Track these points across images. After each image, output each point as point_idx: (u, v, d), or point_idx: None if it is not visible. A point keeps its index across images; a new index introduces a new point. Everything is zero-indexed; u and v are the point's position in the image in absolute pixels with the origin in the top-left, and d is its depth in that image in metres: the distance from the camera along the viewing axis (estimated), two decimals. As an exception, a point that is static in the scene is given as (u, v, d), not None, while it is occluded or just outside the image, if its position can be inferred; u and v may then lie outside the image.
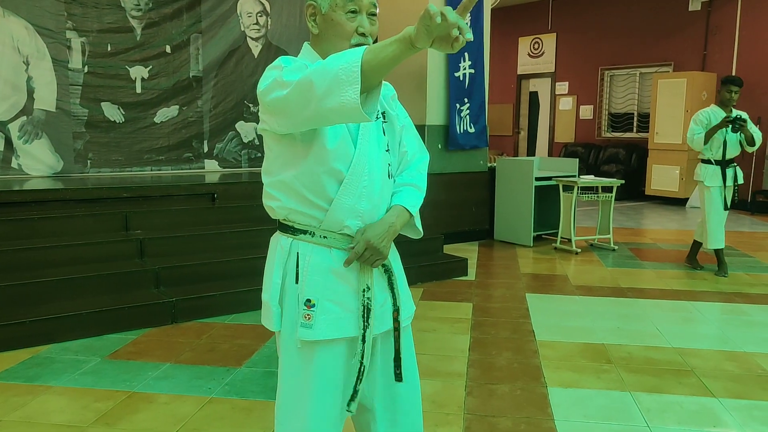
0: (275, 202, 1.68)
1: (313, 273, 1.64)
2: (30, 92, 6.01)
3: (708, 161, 5.75)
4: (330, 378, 1.67)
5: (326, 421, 1.69)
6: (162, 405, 3.11)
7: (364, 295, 1.66)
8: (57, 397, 3.19)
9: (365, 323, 1.66)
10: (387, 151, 1.74)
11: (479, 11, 7.15)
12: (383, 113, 1.77)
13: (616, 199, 7.09)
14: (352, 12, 1.62)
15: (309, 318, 1.62)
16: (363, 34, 1.63)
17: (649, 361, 3.75)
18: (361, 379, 1.68)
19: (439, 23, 1.25)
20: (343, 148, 1.62)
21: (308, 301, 1.63)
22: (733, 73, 10.62)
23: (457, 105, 7.08)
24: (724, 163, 5.69)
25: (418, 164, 1.86)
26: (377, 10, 1.68)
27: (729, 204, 5.76)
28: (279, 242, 1.70)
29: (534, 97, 14.08)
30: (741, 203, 5.94)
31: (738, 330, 4.37)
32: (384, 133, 1.75)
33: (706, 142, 5.64)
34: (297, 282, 1.64)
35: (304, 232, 1.66)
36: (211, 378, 3.44)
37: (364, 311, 1.66)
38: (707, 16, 10.85)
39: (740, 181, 5.82)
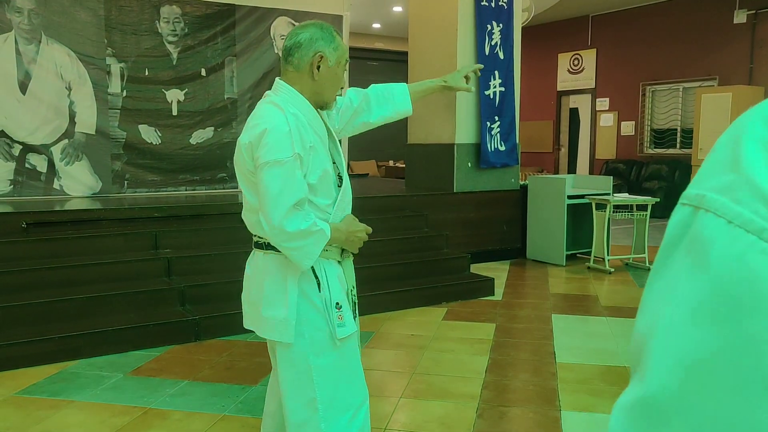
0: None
1: (332, 280, 1.96)
2: (72, 116, 6.27)
3: None
4: (358, 355, 2.10)
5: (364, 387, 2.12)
6: (175, 422, 3.18)
7: (351, 293, 2.05)
8: (77, 412, 3.29)
9: (356, 315, 2.07)
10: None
11: (509, 28, 7.14)
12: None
13: (658, 217, 6.91)
14: (344, 70, 2.09)
15: (342, 318, 1.95)
16: (342, 87, 2.13)
17: (671, 385, 3.63)
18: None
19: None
20: (330, 175, 2.05)
21: (337, 304, 1.95)
22: (780, 87, 10.30)
23: (488, 123, 7.06)
24: None
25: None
26: None
27: None
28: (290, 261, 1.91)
29: (574, 113, 13.90)
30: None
31: None
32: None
33: None
34: (320, 291, 1.92)
35: None
36: (226, 396, 3.50)
37: (354, 306, 2.05)
38: (753, 29, 10.56)
39: None
